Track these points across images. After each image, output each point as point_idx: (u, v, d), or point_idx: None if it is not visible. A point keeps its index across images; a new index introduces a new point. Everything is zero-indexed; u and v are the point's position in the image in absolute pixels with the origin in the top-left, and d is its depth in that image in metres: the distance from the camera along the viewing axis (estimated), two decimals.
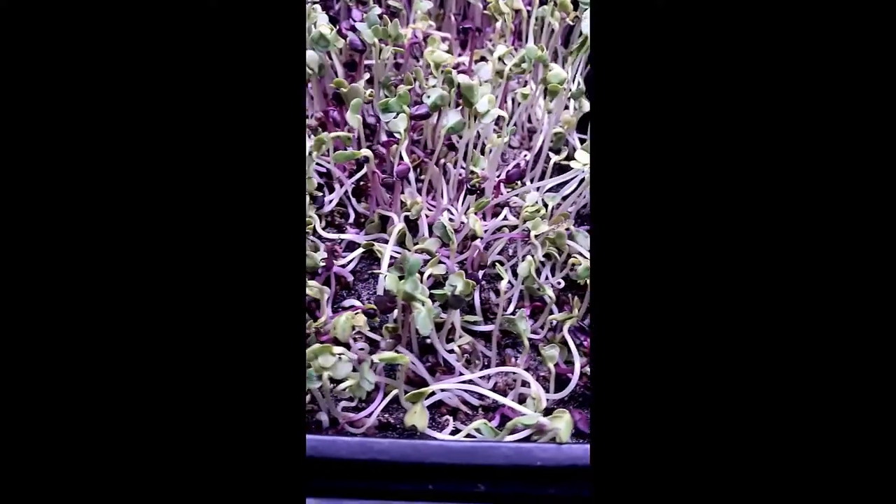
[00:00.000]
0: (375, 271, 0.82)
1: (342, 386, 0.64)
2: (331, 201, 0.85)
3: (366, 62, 0.93)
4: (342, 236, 0.82)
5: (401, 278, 0.67)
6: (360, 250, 0.81)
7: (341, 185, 0.86)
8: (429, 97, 0.80)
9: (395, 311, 0.70)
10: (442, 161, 0.81)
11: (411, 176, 0.87)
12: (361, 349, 0.72)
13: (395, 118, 0.77)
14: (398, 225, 0.78)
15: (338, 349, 0.62)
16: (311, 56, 0.88)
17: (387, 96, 0.92)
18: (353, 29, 0.91)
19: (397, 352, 0.68)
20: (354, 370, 0.64)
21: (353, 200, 0.87)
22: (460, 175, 0.85)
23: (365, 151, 0.77)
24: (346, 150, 0.80)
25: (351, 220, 0.87)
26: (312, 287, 0.71)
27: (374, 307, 0.73)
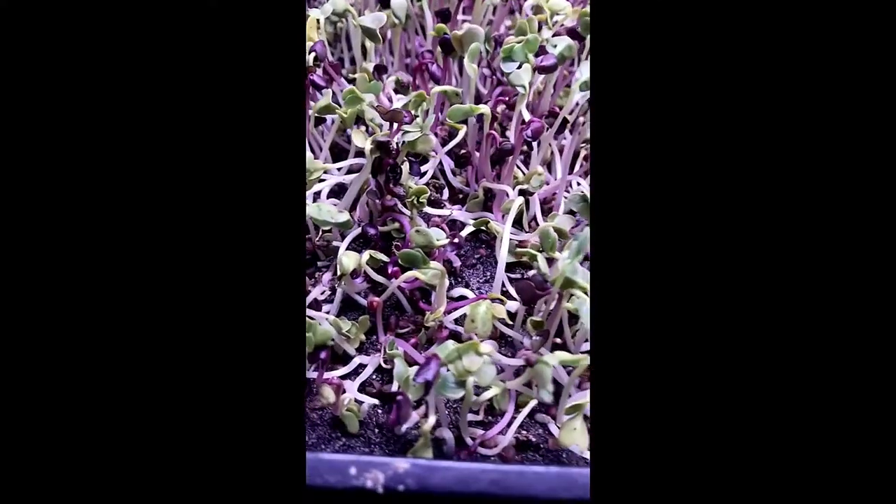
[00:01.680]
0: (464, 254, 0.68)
1: (486, 395, 0.50)
2: (425, 173, 0.71)
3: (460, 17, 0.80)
4: (443, 212, 0.68)
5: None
6: (469, 229, 0.67)
7: (434, 154, 0.72)
8: (555, 46, 0.67)
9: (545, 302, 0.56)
10: (577, 123, 0.68)
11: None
12: None
13: (518, 69, 0.64)
14: (516, 200, 0.65)
15: (485, 348, 0.48)
16: (399, 3, 0.75)
17: (488, 50, 0.78)
18: None
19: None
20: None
21: (449, 172, 0.74)
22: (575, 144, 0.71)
23: (483, 108, 0.63)
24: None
25: (445, 195, 0.73)
26: (427, 272, 0.57)
27: (500, 297, 0.59)
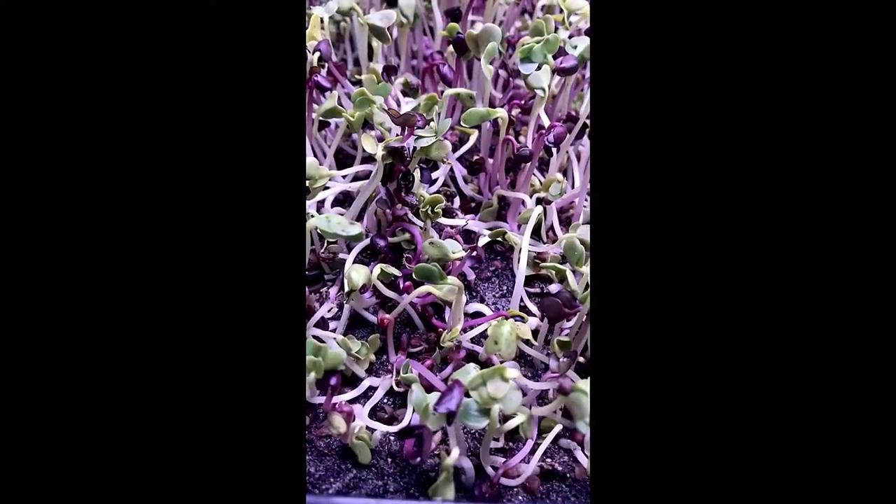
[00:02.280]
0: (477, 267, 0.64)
1: (512, 423, 0.46)
2: (435, 180, 0.67)
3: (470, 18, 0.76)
4: (458, 222, 0.64)
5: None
6: (485, 240, 0.63)
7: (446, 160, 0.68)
8: (575, 47, 0.63)
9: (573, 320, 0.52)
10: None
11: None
12: None
13: (537, 70, 0.60)
14: (535, 209, 0.61)
15: (511, 372, 0.44)
16: (407, 2, 0.71)
17: (500, 53, 0.74)
18: None
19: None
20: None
21: (460, 179, 0.70)
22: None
23: (500, 111, 0.59)
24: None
25: (456, 203, 0.69)
26: (443, 287, 0.53)
27: (520, 315, 0.55)
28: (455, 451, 0.42)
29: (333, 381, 0.45)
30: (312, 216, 0.58)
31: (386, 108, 0.58)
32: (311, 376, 0.44)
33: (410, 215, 0.62)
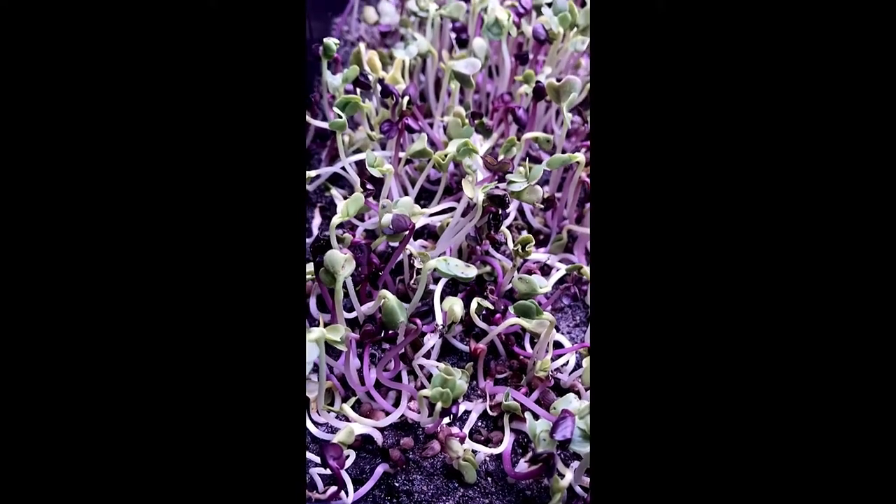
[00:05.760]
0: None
1: None
2: (507, 215, 0.72)
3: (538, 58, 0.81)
4: (540, 257, 0.69)
5: None
6: (560, 273, 0.68)
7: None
8: None
9: None
10: None
11: None
12: None
13: None
14: None
15: None
16: (480, 46, 0.76)
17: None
18: (522, 14, 0.78)
19: None
20: None
21: (529, 213, 0.75)
22: None
23: (579, 156, 0.64)
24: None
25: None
26: (531, 321, 0.58)
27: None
28: (569, 474, 0.47)
29: (455, 408, 0.49)
30: (411, 254, 0.63)
31: (481, 154, 0.63)
32: (439, 406, 0.49)
33: (491, 250, 0.67)
